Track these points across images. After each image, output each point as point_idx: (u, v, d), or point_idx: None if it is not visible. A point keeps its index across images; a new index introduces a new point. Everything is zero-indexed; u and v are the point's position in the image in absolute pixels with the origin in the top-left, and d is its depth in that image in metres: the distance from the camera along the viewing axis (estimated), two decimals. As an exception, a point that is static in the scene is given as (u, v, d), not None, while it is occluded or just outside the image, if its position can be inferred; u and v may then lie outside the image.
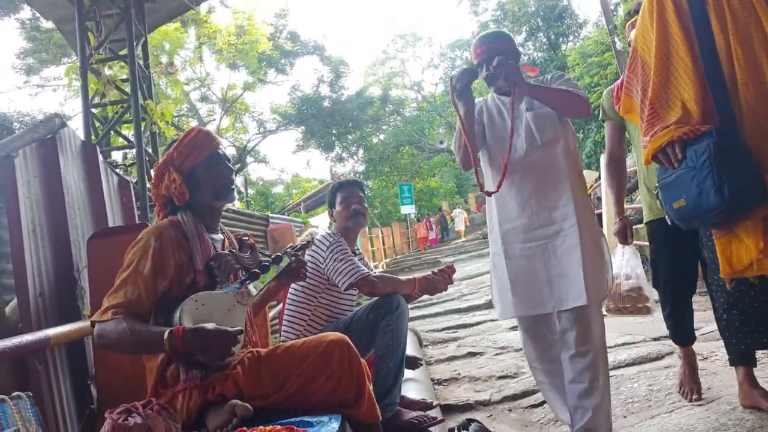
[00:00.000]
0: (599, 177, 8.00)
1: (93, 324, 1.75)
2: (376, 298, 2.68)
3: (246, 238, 2.17)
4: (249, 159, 28.68)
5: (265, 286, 2.09)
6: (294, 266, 2.30)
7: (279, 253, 2.20)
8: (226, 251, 2.01)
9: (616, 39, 14.03)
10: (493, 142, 2.47)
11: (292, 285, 2.75)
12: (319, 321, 2.80)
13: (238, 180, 24.68)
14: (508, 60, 2.26)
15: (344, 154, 33.59)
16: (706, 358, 3.12)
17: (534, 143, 2.32)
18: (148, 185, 5.48)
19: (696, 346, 3.40)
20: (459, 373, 4.02)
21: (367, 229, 15.73)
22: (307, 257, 2.75)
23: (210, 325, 1.68)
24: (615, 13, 17.51)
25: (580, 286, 2.16)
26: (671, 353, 3.39)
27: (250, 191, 29.03)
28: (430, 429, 2.47)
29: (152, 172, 2.08)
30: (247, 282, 1.97)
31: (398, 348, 2.55)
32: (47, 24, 13.55)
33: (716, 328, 3.65)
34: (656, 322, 4.28)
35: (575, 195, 2.27)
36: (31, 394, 1.47)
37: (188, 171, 1.95)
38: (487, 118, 2.50)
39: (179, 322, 1.72)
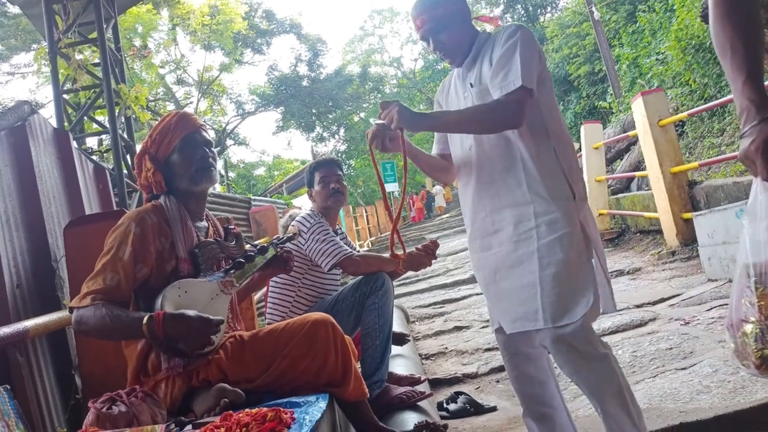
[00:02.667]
0: (580, 148, 8.03)
1: (71, 310, 1.72)
2: (361, 277, 2.67)
3: (232, 227, 2.14)
4: (229, 141, 28.39)
5: (249, 276, 2.05)
6: (281, 258, 2.19)
7: (265, 244, 2.16)
8: (211, 239, 1.98)
9: (593, 9, 14.02)
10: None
11: None
12: (303, 302, 2.79)
13: (219, 163, 24.40)
14: (450, 30, 1.85)
15: (325, 134, 33.42)
16: (688, 323, 3.17)
17: None
18: (124, 171, 5.39)
19: (676, 311, 3.47)
20: (446, 347, 4.05)
21: (351, 208, 15.72)
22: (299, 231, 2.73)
23: (191, 312, 1.66)
24: (592, -17, 17.42)
25: (534, 305, 1.68)
26: (654, 319, 3.43)
27: (232, 174, 28.79)
28: (419, 403, 2.49)
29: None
30: (232, 271, 1.94)
31: (384, 325, 2.55)
32: (15, 9, 13.18)
33: (697, 293, 3.73)
34: (639, 289, 4.35)
35: (537, 186, 1.75)
36: (9, 387, 1.45)
37: (164, 159, 1.92)
38: (445, 103, 2.04)
39: (161, 309, 1.70)
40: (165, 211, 1.88)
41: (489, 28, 2.03)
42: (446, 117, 1.84)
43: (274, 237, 2.42)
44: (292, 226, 2.84)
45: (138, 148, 2.03)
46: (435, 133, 2.08)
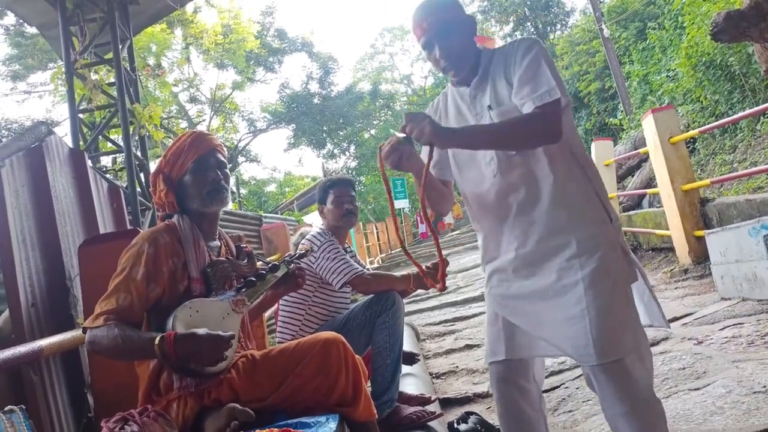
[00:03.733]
0: (590, 165, 8.02)
1: (85, 330, 1.74)
2: (372, 295, 2.68)
3: (244, 245, 2.15)
4: (240, 158, 28.62)
5: (261, 294, 2.06)
6: (292, 275, 2.18)
7: (276, 262, 2.16)
8: (223, 258, 1.99)
9: (603, 26, 14.07)
10: (457, 155, 1.85)
11: None
12: (314, 320, 2.80)
13: (231, 180, 24.55)
14: (459, 36, 1.71)
15: (336, 151, 33.59)
16: (701, 342, 3.14)
17: (507, 152, 1.69)
18: (138, 189, 5.46)
19: (689, 330, 3.44)
20: (457, 366, 4.03)
21: (361, 224, 15.74)
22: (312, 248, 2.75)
23: (201, 330, 1.67)
24: (601, 1, 17.54)
25: (585, 339, 1.55)
26: (666, 338, 3.40)
27: (243, 191, 28.96)
28: (429, 424, 2.48)
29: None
30: (243, 290, 1.95)
31: (395, 344, 2.56)
32: (32, 29, 13.45)
33: (710, 312, 3.70)
34: (651, 308, 4.31)
35: (574, 210, 1.64)
36: (24, 407, 1.47)
37: (177, 179, 1.94)
38: (452, 125, 1.84)
39: (172, 329, 1.71)
40: (178, 231, 1.89)
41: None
42: (481, 132, 1.64)
43: (286, 254, 2.42)
44: (302, 244, 2.86)
45: (152, 166, 2.06)
46: (433, 158, 1.83)
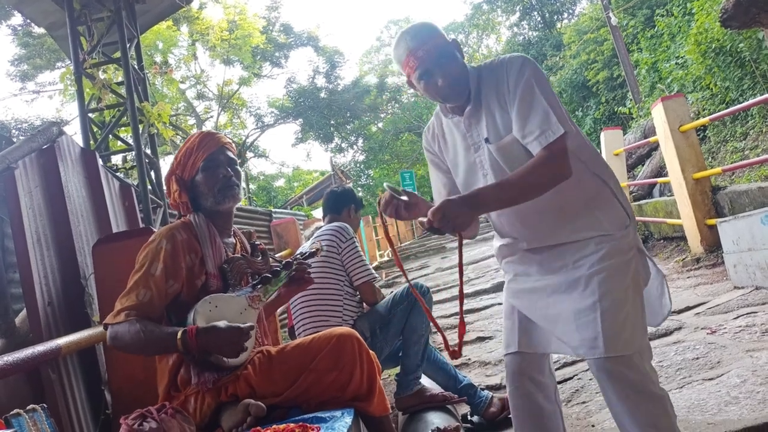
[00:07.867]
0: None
1: (106, 326, 1.77)
2: (406, 285, 2.85)
3: (258, 243, 2.18)
4: (249, 154, 28.68)
5: (275, 290, 2.10)
6: (298, 275, 2.19)
7: (289, 260, 2.19)
8: (239, 255, 2.03)
9: (611, 14, 13.95)
10: (462, 185, 1.81)
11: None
12: (353, 308, 2.94)
13: (241, 176, 24.62)
14: (456, 60, 1.64)
15: (344, 145, 33.60)
16: (715, 332, 3.13)
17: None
18: (149, 187, 5.49)
19: (702, 320, 3.43)
20: (469, 359, 4.04)
21: (370, 218, 15.76)
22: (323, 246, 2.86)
23: (222, 323, 1.71)
24: (609, -12, 17.34)
25: (594, 331, 1.53)
26: (679, 329, 3.39)
27: (252, 186, 29.05)
28: (449, 407, 2.77)
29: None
30: (259, 286, 1.99)
31: (428, 328, 2.80)
32: (40, 30, 13.51)
33: (723, 301, 3.68)
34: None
35: (592, 216, 1.64)
36: (46, 405, 1.49)
37: (189, 179, 1.98)
38: (448, 158, 1.84)
39: (193, 323, 1.74)
40: (194, 228, 1.93)
41: None
42: (498, 195, 1.55)
43: (297, 252, 2.45)
44: (318, 238, 2.90)
45: (162, 163, 2.09)
46: (436, 190, 1.90)
